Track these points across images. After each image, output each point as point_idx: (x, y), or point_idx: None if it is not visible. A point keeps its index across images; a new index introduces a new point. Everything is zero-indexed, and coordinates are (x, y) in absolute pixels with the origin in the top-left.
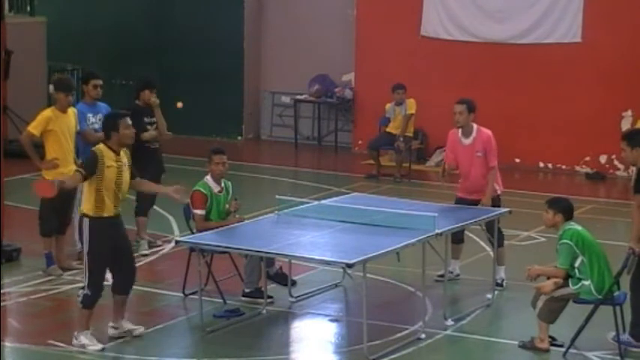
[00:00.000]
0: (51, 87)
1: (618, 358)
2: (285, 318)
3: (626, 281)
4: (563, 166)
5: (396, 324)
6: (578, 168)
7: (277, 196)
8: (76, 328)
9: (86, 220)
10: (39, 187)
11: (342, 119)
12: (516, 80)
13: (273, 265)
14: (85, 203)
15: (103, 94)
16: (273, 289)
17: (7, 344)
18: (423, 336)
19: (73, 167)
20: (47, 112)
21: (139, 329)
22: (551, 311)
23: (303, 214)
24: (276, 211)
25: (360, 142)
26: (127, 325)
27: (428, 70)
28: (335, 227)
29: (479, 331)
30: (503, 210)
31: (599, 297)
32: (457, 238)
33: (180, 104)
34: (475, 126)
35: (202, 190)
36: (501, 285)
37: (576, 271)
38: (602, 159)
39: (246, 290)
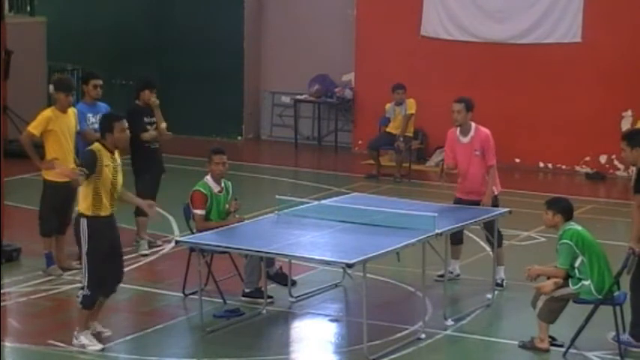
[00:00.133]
0: (51, 87)
1: (618, 358)
2: (285, 318)
3: (626, 281)
4: (563, 166)
5: (396, 324)
6: (578, 168)
7: (277, 196)
8: (76, 328)
9: (84, 220)
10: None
11: (342, 119)
12: (516, 80)
13: (273, 265)
14: (83, 203)
15: (103, 94)
16: (273, 289)
17: (7, 344)
18: (423, 336)
19: (73, 167)
20: (47, 112)
21: (107, 332)
22: (551, 311)
23: (303, 214)
24: (276, 211)
25: (360, 142)
26: (98, 327)
27: (428, 70)
28: (335, 227)
29: (479, 331)
30: (503, 210)
31: (599, 297)
32: (456, 238)
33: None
34: (473, 125)
35: (202, 190)
36: (501, 285)
37: (576, 271)
38: (602, 159)
39: (246, 290)
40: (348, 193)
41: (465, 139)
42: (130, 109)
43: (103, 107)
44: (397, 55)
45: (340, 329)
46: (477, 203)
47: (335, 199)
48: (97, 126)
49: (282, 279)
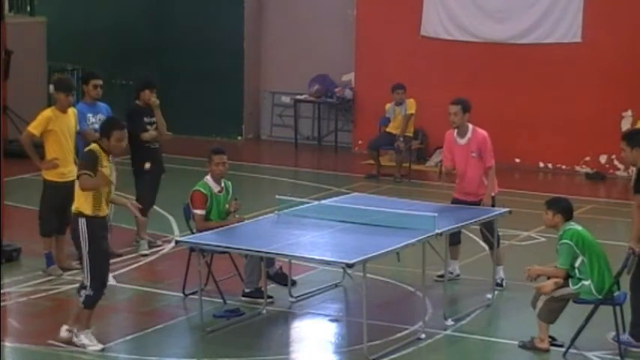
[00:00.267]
0: (51, 87)
1: (618, 358)
2: (285, 318)
3: (626, 281)
4: (563, 166)
5: (396, 324)
6: (578, 168)
7: (277, 196)
8: (68, 325)
9: (83, 220)
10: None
11: (342, 119)
12: (516, 80)
13: (273, 265)
14: (82, 203)
15: (103, 94)
16: (273, 289)
17: (7, 344)
18: (423, 336)
19: (73, 167)
20: (47, 112)
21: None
22: (551, 311)
23: (303, 214)
24: (276, 211)
25: (360, 142)
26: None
27: (428, 70)
28: (335, 227)
29: (479, 331)
30: (503, 210)
31: (599, 297)
32: (454, 239)
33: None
34: (470, 126)
35: (202, 190)
36: (501, 285)
37: (576, 271)
38: (602, 159)
39: (246, 290)
40: (348, 193)
41: (463, 141)
42: (130, 109)
43: (103, 107)
44: (397, 55)
45: (340, 329)
46: (474, 204)
47: (335, 199)
48: (97, 126)
49: (282, 279)
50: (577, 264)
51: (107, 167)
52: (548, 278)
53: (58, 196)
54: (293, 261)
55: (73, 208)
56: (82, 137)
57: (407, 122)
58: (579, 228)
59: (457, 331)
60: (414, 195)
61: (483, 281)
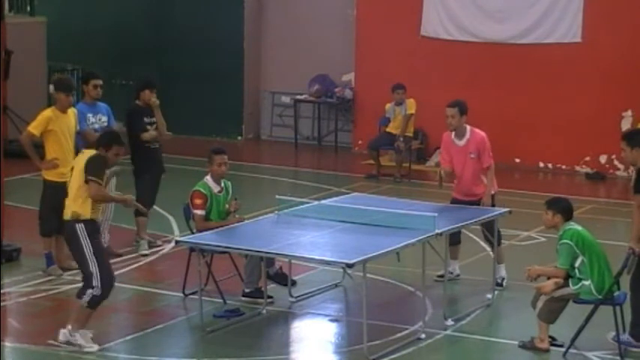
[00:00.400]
0: (51, 87)
1: (618, 358)
2: (285, 318)
3: (626, 281)
4: (563, 166)
5: (396, 324)
6: (578, 168)
7: (277, 196)
8: (69, 326)
9: (80, 225)
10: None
11: (342, 119)
12: (516, 80)
13: (273, 265)
14: (80, 205)
15: (103, 94)
16: (273, 289)
17: (7, 344)
18: (423, 336)
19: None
20: (47, 112)
21: (90, 333)
22: (551, 311)
23: (303, 214)
24: (276, 211)
25: (360, 142)
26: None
27: (428, 70)
28: (335, 227)
29: (479, 331)
30: (503, 210)
31: (599, 297)
32: (454, 239)
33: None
34: (468, 127)
35: (202, 190)
36: (501, 285)
37: (576, 271)
38: (602, 159)
39: (246, 290)
40: (348, 193)
41: (461, 142)
42: (130, 109)
43: (103, 107)
44: (397, 55)
45: (340, 329)
46: (474, 203)
47: (335, 199)
48: (97, 126)
49: (282, 279)
50: (577, 264)
51: (105, 174)
52: (549, 278)
53: (58, 196)
54: (293, 261)
55: (69, 213)
56: (82, 137)
57: (407, 122)
58: (579, 228)
59: (457, 331)
60: (414, 195)
61: (483, 281)
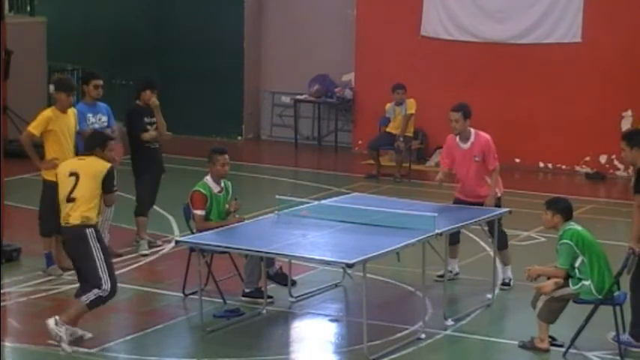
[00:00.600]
0: (51, 87)
1: (618, 358)
2: (285, 318)
3: (626, 281)
4: (563, 166)
5: (396, 324)
6: (578, 168)
7: (277, 196)
8: (63, 317)
9: (91, 230)
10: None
11: (342, 119)
12: (516, 80)
13: (273, 265)
14: (90, 210)
15: (103, 94)
16: (273, 289)
17: (7, 344)
18: (423, 336)
19: None
20: (47, 112)
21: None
22: (551, 311)
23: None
24: (276, 211)
25: (360, 142)
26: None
27: (428, 70)
28: (335, 227)
29: (479, 331)
30: (503, 210)
31: (599, 297)
32: (453, 239)
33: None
34: (473, 131)
35: (202, 190)
36: (509, 284)
37: (576, 271)
38: (602, 159)
39: (246, 290)
40: (348, 193)
41: (465, 146)
42: (130, 109)
43: (103, 107)
44: (397, 55)
45: (340, 329)
46: (477, 204)
47: (335, 199)
48: (97, 126)
49: (282, 279)
50: (577, 264)
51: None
52: (549, 278)
53: (58, 197)
54: (293, 261)
55: (77, 218)
56: (81, 137)
57: (407, 122)
58: (579, 228)
59: (457, 331)
60: (414, 195)
61: (483, 281)
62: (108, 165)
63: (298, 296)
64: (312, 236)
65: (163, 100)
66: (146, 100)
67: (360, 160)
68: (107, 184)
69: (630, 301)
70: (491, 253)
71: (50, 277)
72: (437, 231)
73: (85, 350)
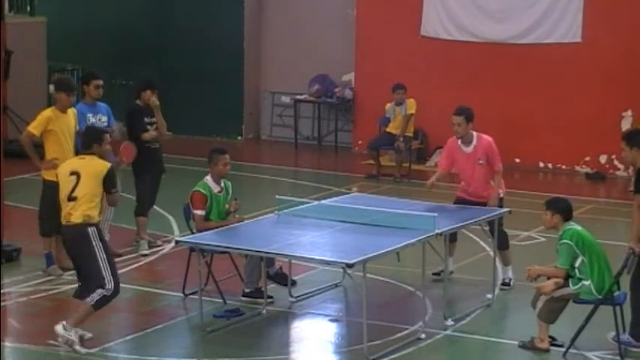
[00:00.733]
0: (51, 87)
1: (618, 358)
2: (285, 318)
3: (626, 281)
4: (563, 166)
5: (396, 324)
6: (578, 168)
7: (277, 196)
8: (72, 321)
9: (93, 229)
10: (125, 151)
11: (342, 119)
12: (516, 80)
13: (273, 265)
14: (92, 209)
15: (103, 94)
16: (273, 289)
17: (7, 344)
18: (423, 336)
19: None
20: (47, 112)
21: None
22: (551, 311)
23: (303, 214)
24: (276, 211)
25: (360, 142)
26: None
27: (428, 70)
28: (335, 227)
29: (479, 331)
30: (503, 210)
31: (599, 297)
32: (451, 237)
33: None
34: (475, 134)
35: (202, 190)
36: (509, 284)
37: (576, 271)
38: (602, 159)
39: (246, 290)
40: (348, 193)
41: (468, 149)
42: (130, 109)
43: (103, 107)
44: (397, 55)
45: (340, 329)
46: (480, 204)
47: (335, 199)
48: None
49: (282, 279)
50: (577, 264)
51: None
52: (549, 278)
53: (58, 197)
54: (293, 261)
55: (79, 217)
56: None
57: (407, 122)
58: (579, 228)
59: (457, 331)
60: (414, 195)
61: (483, 281)
62: (108, 165)
63: (298, 296)
64: (312, 236)
65: (163, 100)
66: (146, 100)
67: (360, 160)
68: (108, 183)
69: (630, 301)
70: (492, 253)
71: (50, 277)
72: (437, 231)
73: (85, 350)
